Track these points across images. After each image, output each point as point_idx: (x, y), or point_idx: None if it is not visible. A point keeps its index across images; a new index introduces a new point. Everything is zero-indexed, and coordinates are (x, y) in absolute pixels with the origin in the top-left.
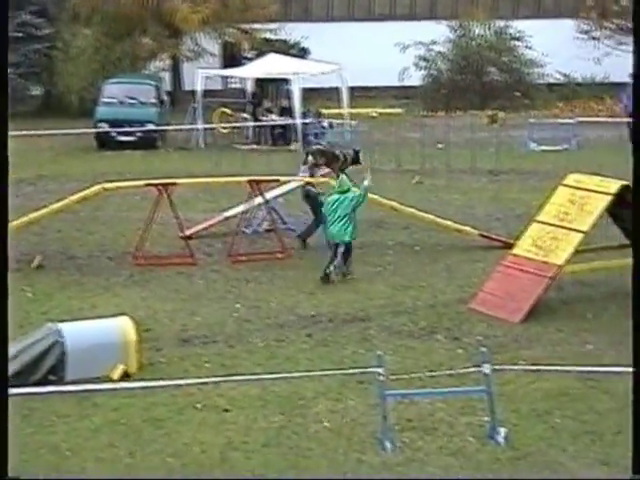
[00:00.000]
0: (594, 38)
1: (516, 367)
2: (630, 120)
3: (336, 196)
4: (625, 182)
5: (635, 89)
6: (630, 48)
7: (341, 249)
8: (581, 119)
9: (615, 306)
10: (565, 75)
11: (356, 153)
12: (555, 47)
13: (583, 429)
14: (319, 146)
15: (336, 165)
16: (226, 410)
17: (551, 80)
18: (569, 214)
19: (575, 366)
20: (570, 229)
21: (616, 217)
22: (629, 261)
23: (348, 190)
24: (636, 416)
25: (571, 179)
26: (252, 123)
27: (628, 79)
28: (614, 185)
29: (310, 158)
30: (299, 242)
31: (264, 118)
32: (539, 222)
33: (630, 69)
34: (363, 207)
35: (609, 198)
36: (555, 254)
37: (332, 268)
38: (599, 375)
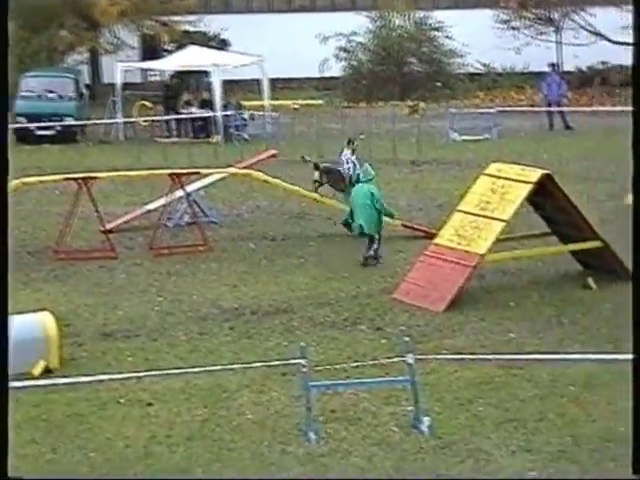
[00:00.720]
0: (514, 28)
1: (439, 356)
2: (550, 109)
3: (360, 185)
4: (546, 171)
5: (635, 87)
6: (549, 38)
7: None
8: (501, 109)
9: (537, 294)
10: (485, 65)
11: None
12: (475, 37)
13: (506, 417)
14: (326, 164)
15: (342, 184)
16: (149, 404)
17: (471, 70)
18: (490, 203)
19: (497, 354)
20: (492, 218)
21: (537, 206)
22: (550, 249)
23: (372, 180)
24: (636, 415)
25: (492, 168)
26: (167, 117)
27: (547, 69)
28: (535, 174)
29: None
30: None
31: (184, 111)
32: (461, 211)
33: (549, 59)
34: (287, 198)
35: (530, 187)
36: (477, 243)
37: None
38: (521, 363)
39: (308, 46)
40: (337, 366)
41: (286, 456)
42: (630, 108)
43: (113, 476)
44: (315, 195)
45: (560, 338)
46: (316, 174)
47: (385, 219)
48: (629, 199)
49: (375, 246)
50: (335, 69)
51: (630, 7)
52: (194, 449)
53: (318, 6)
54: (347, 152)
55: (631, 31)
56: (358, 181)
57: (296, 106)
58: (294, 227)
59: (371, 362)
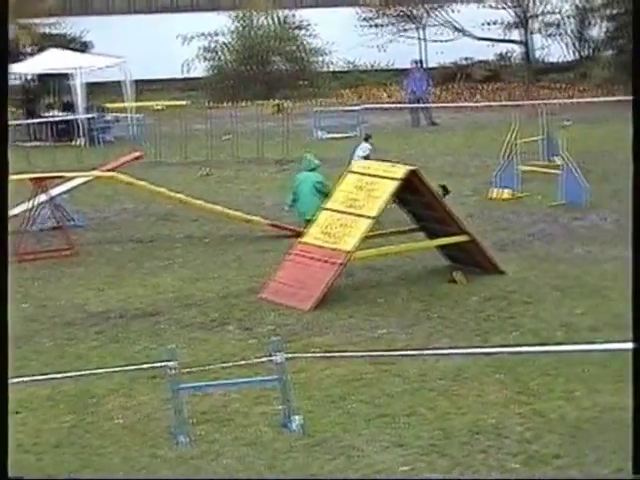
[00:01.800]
0: (377, 25)
1: (309, 355)
2: (415, 106)
3: (305, 175)
4: (411, 167)
5: (635, 87)
6: (413, 35)
7: None
8: (367, 106)
9: (405, 290)
10: (350, 63)
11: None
12: (339, 35)
13: (377, 412)
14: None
15: None
16: (16, 412)
17: (336, 68)
18: (357, 200)
19: (367, 351)
20: (359, 215)
21: (404, 202)
22: (417, 245)
23: (315, 169)
24: (636, 415)
25: (358, 165)
26: (29, 120)
27: (411, 65)
28: (400, 170)
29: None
30: None
31: (46, 114)
32: (328, 209)
33: (414, 55)
34: (152, 200)
35: (396, 183)
36: (344, 241)
37: None
38: (391, 359)
39: (171, 47)
40: (206, 367)
41: (156, 460)
42: (494, 103)
43: (113, 476)
44: (180, 196)
45: (429, 333)
46: None
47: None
48: (493, 193)
49: None
50: (199, 70)
51: (490, 3)
52: (63, 456)
53: (180, 6)
54: (366, 145)
55: (492, 27)
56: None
57: (159, 107)
58: (160, 229)
59: (241, 362)
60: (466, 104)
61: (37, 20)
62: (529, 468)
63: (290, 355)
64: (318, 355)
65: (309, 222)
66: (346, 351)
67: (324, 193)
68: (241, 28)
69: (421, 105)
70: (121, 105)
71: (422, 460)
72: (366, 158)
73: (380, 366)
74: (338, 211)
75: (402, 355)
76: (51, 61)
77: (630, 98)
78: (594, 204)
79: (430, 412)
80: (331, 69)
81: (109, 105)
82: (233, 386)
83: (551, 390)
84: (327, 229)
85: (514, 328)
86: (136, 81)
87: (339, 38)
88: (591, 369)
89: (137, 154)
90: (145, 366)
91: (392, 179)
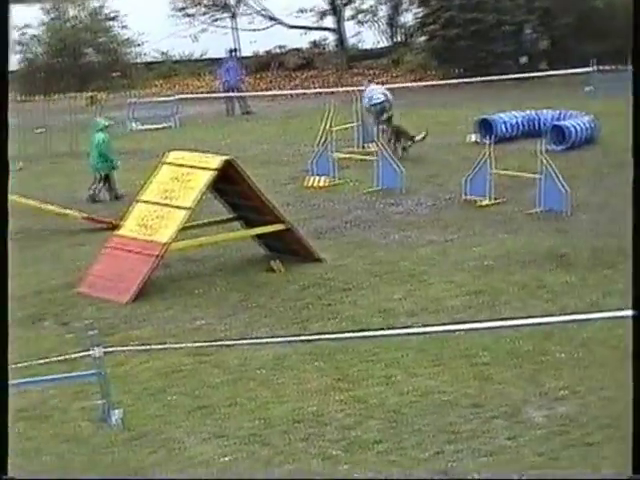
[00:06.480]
0: (189, 15)
1: (127, 348)
2: (229, 95)
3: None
4: (226, 157)
5: (635, 88)
6: (226, 24)
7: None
8: (181, 96)
9: (223, 280)
10: (163, 53)
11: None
12: (151, 25)
13: (197, 404)
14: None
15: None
16: None
17: (149, 59)
18: (173, 191)
19: (185, 342)
20: (174, 207)
21: (221, 192)
22: (234, 234)
23: (102, 129)
24: (636, 415)
25: (172, 157)
26: None
27: (224, 54)
28: (215, 160)
29: None
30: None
31: None
32: (143, 202)
33: (227, 45)
34: None
35: (211, 173)
36: (160, 232)
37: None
38: (210, 349)
39: None
40: (23, 364)
41: None
42: (308, 91)
43: (113, 476)
44: None
45: (247, 322)
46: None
47: None
48: (309, 181)
49: (112, 184)
50: (10, 63)
51: None
52: None
53: None
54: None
55: (305, 14)
56: None
57: None
58: None
59: (58, 358)
60: (280, 92)
61: None
62: (350, 454)
63: (108, 349)
64: (136, 348)
65: (99, 176)
66: (165, 343)
67: (106, 150)
68: (51, 20)
69: (235, 94)
70: None
71: (243, 450)
72: (382, 109)
73: (199, 357)
74: (154, 203)
75: (221, 345)
76: None
77: (441, 83)
78: (409, 189)
79: (250, 402)
80: (144, 60)
81: None
82: (51, 382)
83: (371, 376)
84: (143, 221)
85: (333, 315)
86: None
87: (151, 28)
88: (409, 354)
89: None
90: None
91: (207, 169)
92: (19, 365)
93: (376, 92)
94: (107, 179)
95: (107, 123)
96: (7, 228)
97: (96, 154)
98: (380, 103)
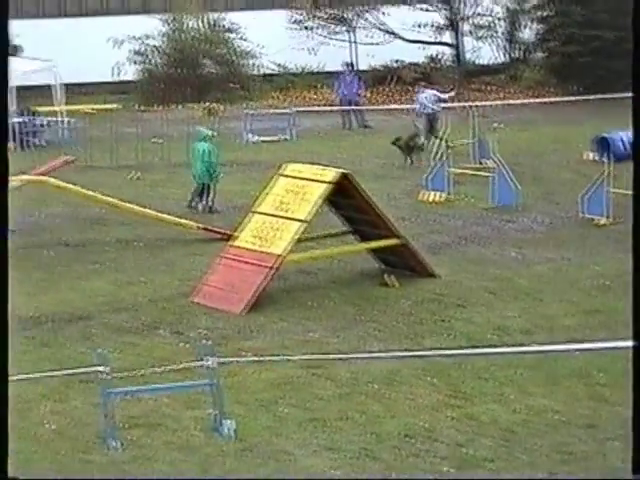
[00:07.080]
0: (307, 28)
1: (240, 359)
2: (346, 108)
3: (199, 143)
4: (343, 170)
5: (635, 93)
6: (343, 37)
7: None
8: (298, 109)
9: (337, 293)
10: (280, 65)
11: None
12: (269, 38)
13: (308, 416)
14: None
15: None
16: None
17: (267, 71)
18: (288, 204)
19: (298, 355)
20: (290, 219)
21: (336, 205)
22: (349, 248)
23: (205, 138)
24: (636, 415)
25: (288, 169)
26: None
27: (341, 68)
28: (331, 173)
29: None
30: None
31: None
32: (259, 213)
33: (344, 58)
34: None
35: (327, 186)
36: (276, 244)
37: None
38: (322, 362)
39: (101, 50)
40: (137, 372)
41: (87, 465)
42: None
43: (113, 476)
44: (111, 200)
45: (360, 336)
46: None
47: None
48: (425, 196)
49: (210, 196)
50: (130, 73)
51: (421, 5)
52: None
53: (110, 10)
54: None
55: (423, 29)
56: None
57: (90, 111)
58: (91, 233)
59: (171, 367)
60: (397, 106)
61: None
62: (461, 472)
63: (221, 359)
64: (249, 359)
65: (201, 186)
66: (277, 355)
67: (209, 161)
68: (171, 31)
69: (353, 107)
70: (51, 109)
71: (353, 464)
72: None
73: (311, 370)
74: (269, 214)
75: (334, 359)
76: None
77: (559, 100)
78: (525, 206)
79: (361, 416)
80: (262, 72)
81: (39, 109)
82: (164, 390)
83: (483, 393)
84: (259, 232)
85: (446, 331)
86: (66, 84)
87: (269, 41)
88: (523, 372)
89: (68, 158)
90: (76, 371)
91: (322, 182)
92: (136, 372)
93: (429, 99)
94: (207, 190)
95: (210, 133)
96: (7, 228)
97: (200, 164)
98: (432, 113)
